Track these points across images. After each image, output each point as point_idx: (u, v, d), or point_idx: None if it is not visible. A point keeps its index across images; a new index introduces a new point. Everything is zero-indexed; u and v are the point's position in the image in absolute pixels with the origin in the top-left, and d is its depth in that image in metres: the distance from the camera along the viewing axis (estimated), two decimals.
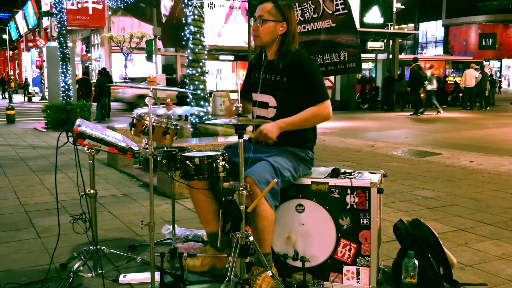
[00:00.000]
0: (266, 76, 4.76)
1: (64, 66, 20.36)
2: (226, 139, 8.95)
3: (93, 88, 27.16)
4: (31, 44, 78.72)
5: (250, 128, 4.84)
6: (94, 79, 37.36)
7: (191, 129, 11.42)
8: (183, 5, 11.34)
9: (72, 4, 48.86)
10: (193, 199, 4.79)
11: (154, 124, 4.76)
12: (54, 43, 25.25)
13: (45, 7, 57.91)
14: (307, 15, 6.41)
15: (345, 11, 6.12)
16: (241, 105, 4.02)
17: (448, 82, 36.77)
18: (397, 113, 29.32)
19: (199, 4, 11.07)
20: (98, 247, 4.81)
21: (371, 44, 34.76)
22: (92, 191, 4.73)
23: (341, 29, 6.21)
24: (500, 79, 63.70)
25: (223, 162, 4.08)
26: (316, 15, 6.32)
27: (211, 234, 4.84)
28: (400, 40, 36.58)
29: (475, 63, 32.91)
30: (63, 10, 20.54)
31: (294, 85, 4.58)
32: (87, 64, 65.68)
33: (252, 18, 4.69)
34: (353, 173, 4.76)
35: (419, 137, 17.10)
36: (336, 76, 30.99)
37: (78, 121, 4.72)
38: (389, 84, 32.32)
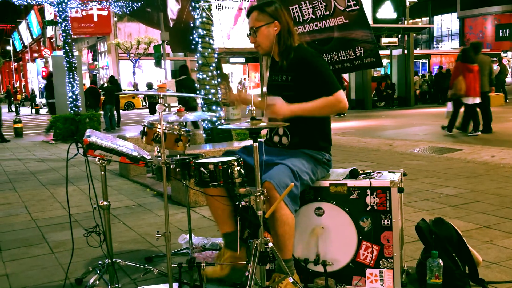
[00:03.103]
0: (274, 78, 4.77)
1: (71, 76, 20.33)
2: (240, 144, 8.85)
3: (102, 97, 27.10)
4: (36, 55, 79.00)
5: (263, 131, 4.75)
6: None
7: (204, 135, 11.32)
8: (191, 8, 11.24)
9: (77, 11, 49.05)
10: (209, 205, 4.76)
11: (166, 131, 4.67)
12: (60, 53, 25.20)
13: (49, 16, 58.01)
14: (318, 13, 6.33)
15: (357, 7, 6.05)
16: (255, 108, 3.93)
17: None
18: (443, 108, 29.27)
19: (206, 7, 10.97)
20: (114, 260, 4.77)
21: (385, 40, 34.57)
22: (105, 203, 4.67)
23: (354, 25, 6.15)
24: None
25: (239, 168, 4.01)
26: (327, 13, 6.25)
27: (226, 234, 4.78)
28: (414, 34, 36.43)
29: (490, 56, 32.66)
30: (67, 18, 20.54)
31: (302, 82, 4.54)
32: (94, 73, 65.76)
33: (247, 34, 4.66)
34: (372, 173, 4.68)
35: (438, 134, 16.91)
36: (351, 75, 30.98)
37: (88, 132, 4.67)
38: (440, 79, 32.87)
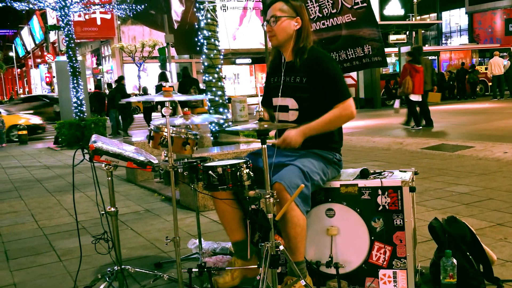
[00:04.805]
0: (286, 79, 4.66)
1: (75, 81, 20.22)
2: (248, 146, 8.81)
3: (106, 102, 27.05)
4: (39, 60, 78.97)
5: (272, 133, 4.70)
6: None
7: (212, 138, 11.28)
8: (195, 10, 11.24)
9: (79, 15, 48.98)
10: (217, 209, 4.70)
11: (173, 135, 4.64)
12: (63, 58, 25.17)
13: (51, 20, 57.97)
14: (325, 11, 6.32)
15: (364, 4, 6.02)
16: (263, 109, 3.88)
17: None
18: (468, 103, 29.19)
19: (211, 7, 10.94)
20: (123, 266, 4.71)
21: (393, 37, 34.34)
22: (112, 209, 4.62)
23: (362, 23, 6.14)
24: None
25: (248, 170, 3.97)
26: (335, 10, 6.24)
27: (236, 243, 4.74)
28: (423, 31, 36.28)
29: (500, 51, 32.58)
30: (70, 22, 20.44)
31: (315, 84, 4.48)
32: (98, 77, 65.73)
33: (264, 22, 4.60)
34: (383, 172, 4.64)
35: (449, 131, 16.95)
36: (359, 73, 30.83)
37: (94, 137, 4.62)
38: (462, 75, 33.81)
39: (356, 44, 6.21)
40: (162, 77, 21.93)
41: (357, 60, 6.27)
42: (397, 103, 18.71)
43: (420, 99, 17.88)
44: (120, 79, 24.60)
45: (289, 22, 4.52)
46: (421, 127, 18.05)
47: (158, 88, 21.05)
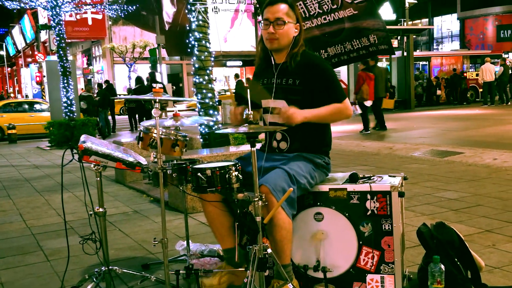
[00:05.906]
0: (277, 81, 4.64)
1: (65, 81, 20.10)
2: (238, 149, 8.80)
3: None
4: (29, 60, 78.45)
5: (262, 136, 4.69)
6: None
7: (201, 140, 11.26)
8: (187, 11, 11.20)
9: (71, 15, 48.74)
10: (206, 213, 4.67)
11: (162, 136, 4.63)
12: (54, 57, 24.99)
13: (42, 20, 57.52)
14: (325, 7, 6.40)
15: None
16: (252, 112, 3.86)
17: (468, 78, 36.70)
18: (459, 109, 29.29)
19: (203, 9, 10.92)
20: (110, 267, 4.70)
21: None
22: (101, 210, 4.61)
23: (364, 16, 6.28)
24: None
25: (236, 173, 3.95)
26: (335, 6, 6.34)
27: (227, 251, 4.73)
28: (414, 36, 36.32)
29: (491, 57, 32.74)
30: (61, 22, 20.37)
31: (309, 87, 4.49)
32: (89, 78, 65.52)
33: (264, 21, 4.53)
34: (372, 177, 4.63)
35: (439, 137, 16.97)
36: (350, 77, 30.95)
37: (83, 137, 4.61)
38: (455, 81, 34.85)
39: (361, 35, 6.32)
40: (138, 80, 22.56)
41: (363, 50, 6.39)
42: (358, 109, 19.52)
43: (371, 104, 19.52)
44: (152, 76, 24.79)
45: (292, 28, 4.51)
46: (369, 131, 19.49)
47: (138, 90, 21.37)
